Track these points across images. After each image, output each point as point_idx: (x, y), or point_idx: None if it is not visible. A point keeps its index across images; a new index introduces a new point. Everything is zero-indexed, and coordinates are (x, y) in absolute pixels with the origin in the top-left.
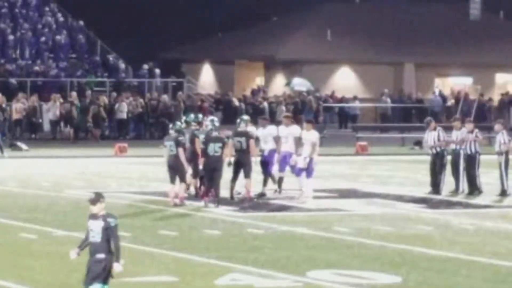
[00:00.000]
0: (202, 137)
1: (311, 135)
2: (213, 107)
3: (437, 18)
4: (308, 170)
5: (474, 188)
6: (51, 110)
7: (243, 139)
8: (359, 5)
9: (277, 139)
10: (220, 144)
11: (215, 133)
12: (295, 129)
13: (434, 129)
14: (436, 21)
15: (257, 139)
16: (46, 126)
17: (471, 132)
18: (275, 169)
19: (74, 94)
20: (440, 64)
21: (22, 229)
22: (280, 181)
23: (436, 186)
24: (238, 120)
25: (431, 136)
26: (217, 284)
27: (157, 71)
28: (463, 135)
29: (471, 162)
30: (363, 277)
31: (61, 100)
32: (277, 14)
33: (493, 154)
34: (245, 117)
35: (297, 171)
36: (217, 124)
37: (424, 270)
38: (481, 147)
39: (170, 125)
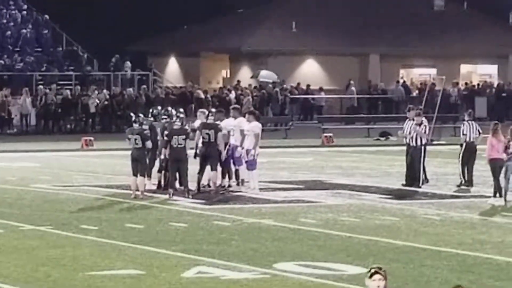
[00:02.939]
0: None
1: (253, 127)
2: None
3: (402, 9)
4: (249, 162)
5: (414, 181)
6: (21, 104)
7: (211, 132)
8: None
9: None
10: (183, 136)
11: (177, 125)
12: (242, 122)
13: (413, 119)
14: (401, 12)
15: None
16: (16, 119)
17: (419, 125)
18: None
19: (40, 88)
20: (405, 55)
21: None
22: (237, 174)
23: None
24: (206, 113)
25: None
26: (184, 277)
27: (129, 64)
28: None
29: (416, 154)
30: (329, 268)
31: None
32: (243, 6)
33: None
34: (214, 110)
35: (239, 164)
36: (182, 116)
37: (391, 261)
38: (427, 138)
39: (133, 118)
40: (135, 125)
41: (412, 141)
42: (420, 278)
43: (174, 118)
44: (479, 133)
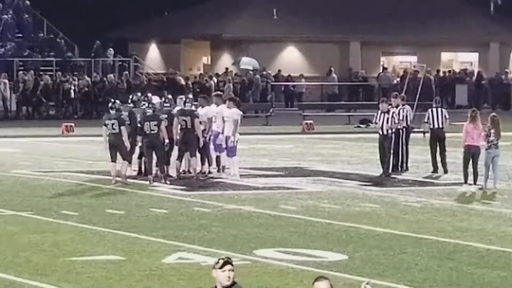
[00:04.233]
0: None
1: (233, 113)
2: (159, 86)
3: None
4: (229, 149)
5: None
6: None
7: (188, 118)
8: None
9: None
10: (155, 122)
11: (149, 112)
12: (224, 109)
13: (397, 106)
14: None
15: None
16: None
17: (387, 112)
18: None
19: (20, 73)
20: (386, 42)
21: None
22: (218, 160)
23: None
24: (183, 99)
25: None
26: (164, 263)
27: (111, 50)
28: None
29: (385, 142)
30: (310, 255)
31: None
32: None
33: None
34: (190, 96)
35: (221, 150)
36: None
37: (371, 248)
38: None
39: (110, 104)
40: (112, 111)
41: (382, 130)
42: (400, 265)
43: (147, 105)
44: (446, 119)
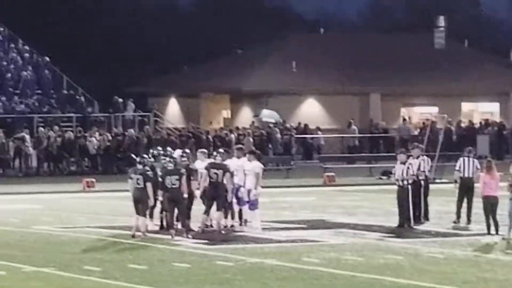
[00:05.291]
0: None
1: (254, 166)
2: (182, 140)
3: (402, 48)
4: (251, 202)
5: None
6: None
7: (220, 172)
8: (323, 36)
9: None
10: (177, 177)
11: (171, 166)
12: (245, 162)
13: (418, 157)
14: (401, 51)
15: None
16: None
17: (404, 163)
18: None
19: (41, 130)
20: (406, 94)
21: None
22: (240, 214)
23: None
24: (214, 153)
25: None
26: None
27: (132, 105)
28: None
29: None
30: None
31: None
32: (242, 46)
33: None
34: (221, 150)
35: (243, 204)
36: (185, 158)
37: None
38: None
39: (138, 159)
40: (139, 166)
41: (399, 181)
42: None
43: (167, 159)
44: (477, 169)
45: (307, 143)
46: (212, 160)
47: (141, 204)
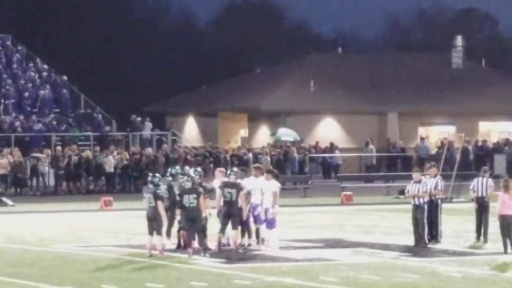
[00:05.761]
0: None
1: (271, 185)
2: (198, 159)
3: (420, 67)
4: (269, 221)
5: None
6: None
7: (233, 191)
8: (341, 56)
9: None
10: (194, 195)
11: (188, 184)
12: (263, 181)
13: (435, 176)
14: (419, 70)
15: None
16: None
17: (418, 182)
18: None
19: (58, 148)
20: (424, 113)
21: (8, 285)
22: (257, 233)
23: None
24: (228, 172)
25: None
26: None
27: (150, 124)
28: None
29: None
30: None
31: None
32: (260, 66)
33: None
34: (235, 168)
35: (260, 222)
36: (196, 174)
37: None
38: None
39: (149, 178)
40: (150, 185)
41: (414, 199)
42: None
43: (185, 178)
44: (489, 187)
45: (326, 162)
46: (226, 179)
47: (154, 223)
